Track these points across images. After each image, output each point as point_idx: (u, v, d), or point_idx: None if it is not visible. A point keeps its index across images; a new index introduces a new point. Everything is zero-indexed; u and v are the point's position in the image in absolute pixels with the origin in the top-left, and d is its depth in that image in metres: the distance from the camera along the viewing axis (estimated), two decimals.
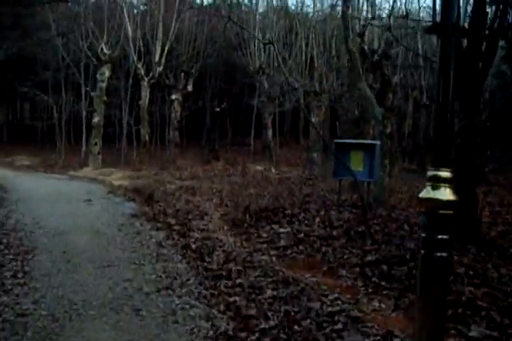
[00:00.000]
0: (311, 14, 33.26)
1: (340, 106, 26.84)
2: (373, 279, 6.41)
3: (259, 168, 26.93)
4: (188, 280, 6.73)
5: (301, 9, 35.68)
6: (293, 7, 38.93)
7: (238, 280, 6.67)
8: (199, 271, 7.22)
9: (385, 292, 6.03)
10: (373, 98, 12.55)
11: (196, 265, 7.54)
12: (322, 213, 11.18)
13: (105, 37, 27.02)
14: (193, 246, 8.86)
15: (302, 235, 9.28)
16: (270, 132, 31.76)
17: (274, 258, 8.06)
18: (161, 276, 6.90)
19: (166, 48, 28.38)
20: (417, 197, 3.73)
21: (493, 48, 8.13)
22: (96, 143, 26.88)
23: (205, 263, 7.67)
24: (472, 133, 8.02)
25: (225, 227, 10.85)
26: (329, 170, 25.06)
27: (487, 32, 8.14)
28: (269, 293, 6.12)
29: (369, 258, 7.20)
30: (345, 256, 7.59)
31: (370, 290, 6.12)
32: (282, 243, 8.93)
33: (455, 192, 7.34)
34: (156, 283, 6.58)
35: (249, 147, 35.81)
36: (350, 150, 11.33)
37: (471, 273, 6.55)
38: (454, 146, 8.30)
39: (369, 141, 11.51)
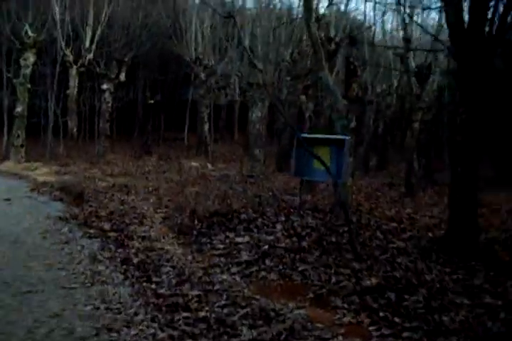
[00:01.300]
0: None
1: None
2: (382, 314, 4.96)
3: (194, 164, 25.36)
4: (136, 314, 5.11)
5: None
6: None
7: (201, 313, 5.13)
8: (147, 297, 5.63)
9: (405, 334, 4.56)
10: (336, 89, 11.21)
11: (143, 288, 5.95)
12: (282, 218, 9.70)
13: (30, 18, 24.58)
14: (135, 260, 7.26)
15: (266, 246, 7.76)
16: (206, 126, 30.12)
17: (238, 278, 6.53)
18: (98, 308, 5.26)
19: (97, 34, 26.23)
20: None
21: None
22: (19, 135, 24.50)
23: (154, 285, 6.09)
24: (474, 128, 6.73)
25: (170, 235, 9.24)
26: (271, 167, 24.30)
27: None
28: (246, 333, 4.61)
29: (367, 282, 5.74)
30: (334, 278, 6.11)
31: (384, 331, 4.63)
32: (244, 257, 7.41)
33: (453, 196, 6.00)
34: (93, 320, 4.94)
35: (183, 142, 34.20)
36: (313, 145, 9.88)
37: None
38: (453, 144, 7.03)
39: (337, 136, 10.08)
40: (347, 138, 9.70)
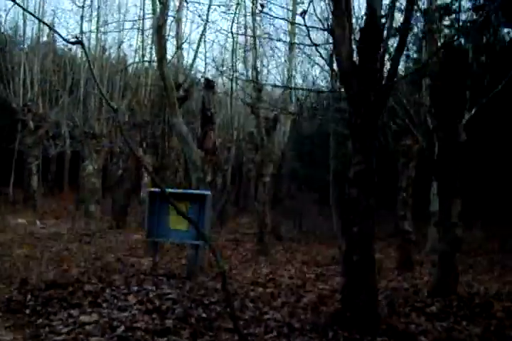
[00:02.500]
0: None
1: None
2: None
3: (21, 220, 22.86)
4: None
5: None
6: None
7: None
8: None
9: None
10: (190, 137, 10.14)
11: None
12: (135, 288, 8.24)
13: None
14: None
15: (122, 328, 6.29)
16: (35, 179, 27.66)
17: None
18: None
19: None
20: None
21: None
22: None
23: None
24: (371, 180, 5.89)
25: None
26: (107, 224, 22.42)
27: None
28: None
29: None
30: None
31: None
32: None
33: (348, 261, 5.03)
34: None
35: (7, 196, 31.17)
36: (168, 202, 8.62)
37: None
38: (345, 200, 6.13)
39: (197, 191, 8.91)
40: (208, 193, 8.57)
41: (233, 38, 14.11)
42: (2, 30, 30.48)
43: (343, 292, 6.35)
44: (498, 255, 15.96)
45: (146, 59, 21.60)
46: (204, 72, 20.39)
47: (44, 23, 6.76)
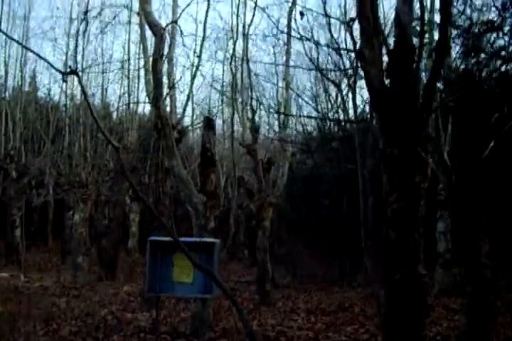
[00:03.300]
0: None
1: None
2: None
3: (3, 274, 21.80)
4: None
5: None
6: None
7: None
8: None
9: None
10: (190, 180, 9.40)
11: None
12: None
13: None
14: None
15: None
16: (18, 232, 26.61)
17: None
18: None
19: None
20: None
21: None
22: None
23: None
24: (412, 220, 5.17)
25: None
26: (95, 276, 21.36)
27: None
28: None
29: None
30: None
31: None
32: None
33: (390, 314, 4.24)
34: None
35: None
36: (172, 252, 7.78)
37: None
38: (384, 244, 5.38)
39: (204, 239, 8.10)
40: (216, 241, 7.76)
41: (232, 72, 13.56)
42: None
43: None
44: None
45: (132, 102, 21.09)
46: (193, 114, 19.72)
47: (38, 55, 6.24)
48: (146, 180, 23.74)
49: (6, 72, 28.19)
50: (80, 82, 5.61)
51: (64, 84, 24.45)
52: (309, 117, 17.61)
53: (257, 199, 15.25)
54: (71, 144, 23.02)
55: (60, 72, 5.19)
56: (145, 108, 25.91)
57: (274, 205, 14.77)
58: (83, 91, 6.50)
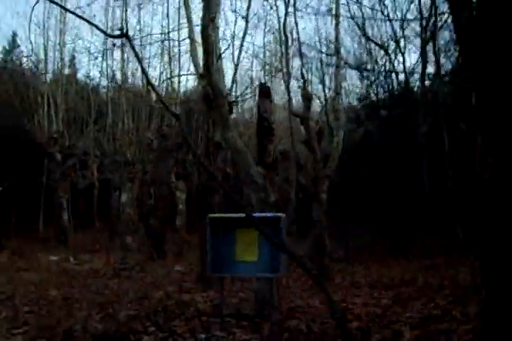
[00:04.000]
0: None
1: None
2: None
3: (54, 258, 21.68)
4: None
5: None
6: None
7: None
8: None
9: None
10: (248, 152, 8.76)
11: None
12: (203, 336, 6.78)
13: None
14: None
15: None
16: (65, 214, 26.57)
17: None
18: None
19: None
20: None
21: None
22: None
23: None
24: None
25: None
26: (144, 256, 21.07)
27: None
28: None
29: None
30: None
31: None
32: None
33: None
34: None
35: (38, 233, 30.10)
36: (234, 229, 7.19)
37: None
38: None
39: (269, 214, 7.47)
40: (282, 215, 7.10)
41: (286, 38, 12.82)
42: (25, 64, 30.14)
43: None
44: None
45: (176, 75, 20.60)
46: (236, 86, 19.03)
47: (84, 19, 5.73)
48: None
49: (46, 55, 27.94)
50: (131, 45, 5.02)
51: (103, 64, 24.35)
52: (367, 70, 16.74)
53: (312, 171, 14.54)
54: (114, 124, 22.75)
55: (110, 35, 4.64)
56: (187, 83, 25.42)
57: (329, 177, 14.08)
58: (136, 56, 5.92)
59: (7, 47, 38.14)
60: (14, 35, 36.74)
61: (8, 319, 9.27)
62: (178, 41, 19.22)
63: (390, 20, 14.10)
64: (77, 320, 7.90)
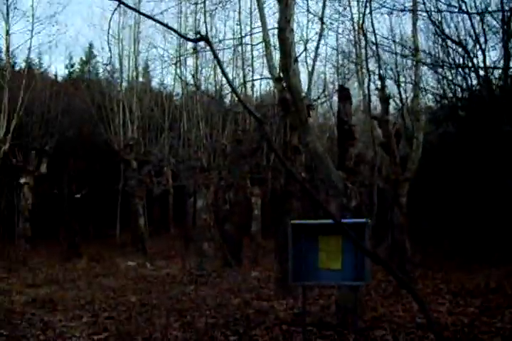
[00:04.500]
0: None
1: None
2: None
3: (131, 263, 21.97)
4: None
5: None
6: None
7: None
8: None
9: None
10: (327, 156, 8.48)
11: None
12: None
13: None
14: None
15: None
16: (142, 220, 26.90)
17: None
18: None
19: (14, 123, 22.93)
20: None
21: None
22: None
23: None
24: None
25: None
26: (220, 262, 21.01)
27: None
28: None
29: None
30: None
31: None
32: None
33: None
34: None
35: (115, 238, 30.65)
36: (316, 235, 6.92)
37: None
38: None
39: (352, 220, 7.19)
40: (366, 221, 6.80)
41: (365, 38, 12.43)
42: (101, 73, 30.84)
43: None
44: None
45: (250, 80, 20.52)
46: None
47: (163, 23, 5.70)
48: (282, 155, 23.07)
49: (121, 64, 28.50)
50: (211, 48, 4.90)
51: (177, 71, 24.52)
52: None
53: (391, 175, 14.10)
54: (188, 130, 22.85)
55: (189, 39, 4.53)
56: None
57: (409, 180, 13.61)
58: (216, 58, 5.79)
59: (84, 58, 39.26)
60: (91, 46, 37.75)
61: (88, 324, 9.36)
62: (252, 45, 19.09)
63: (469, 14, 13.45)
64: (156, 328, 7.81)
